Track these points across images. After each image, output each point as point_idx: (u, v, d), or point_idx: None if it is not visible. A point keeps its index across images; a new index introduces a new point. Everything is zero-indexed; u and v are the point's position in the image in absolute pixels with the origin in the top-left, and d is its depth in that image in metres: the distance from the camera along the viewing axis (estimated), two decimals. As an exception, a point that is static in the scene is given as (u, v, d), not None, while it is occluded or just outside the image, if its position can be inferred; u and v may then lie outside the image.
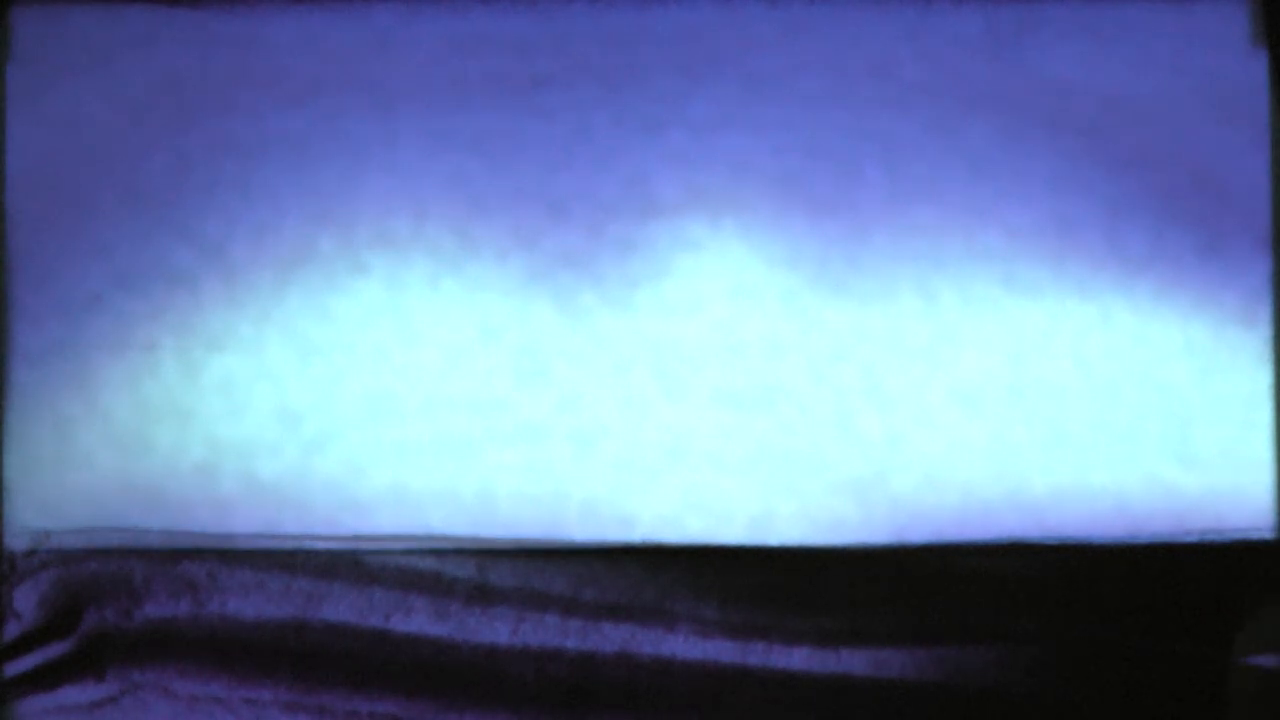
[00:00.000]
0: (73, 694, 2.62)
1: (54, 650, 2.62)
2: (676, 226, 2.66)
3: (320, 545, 2.61)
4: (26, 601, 2.62)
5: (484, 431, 2.63)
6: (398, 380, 2.64)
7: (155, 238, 2.65)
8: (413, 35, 2.68)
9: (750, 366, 2.66)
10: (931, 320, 2.66)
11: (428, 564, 2.61)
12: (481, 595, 2.60)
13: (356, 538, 2.61)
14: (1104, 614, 2.62)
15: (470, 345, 2.65)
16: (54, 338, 2.64)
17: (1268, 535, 2.63)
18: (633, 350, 2.66)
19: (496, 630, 2.60)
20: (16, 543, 2.63)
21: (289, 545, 2.62)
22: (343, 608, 2.61)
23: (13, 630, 2.62)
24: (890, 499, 2.64)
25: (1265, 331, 2.66)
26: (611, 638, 2.59)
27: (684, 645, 2.61)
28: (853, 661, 2.62)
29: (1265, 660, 2.61)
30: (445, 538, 2.62)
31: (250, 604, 2.61)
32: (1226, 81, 2.67)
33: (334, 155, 2.66)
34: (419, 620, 2.61)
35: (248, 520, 2.63)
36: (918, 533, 2.64)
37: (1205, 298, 2.66)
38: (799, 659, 2.62)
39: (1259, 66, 2.67)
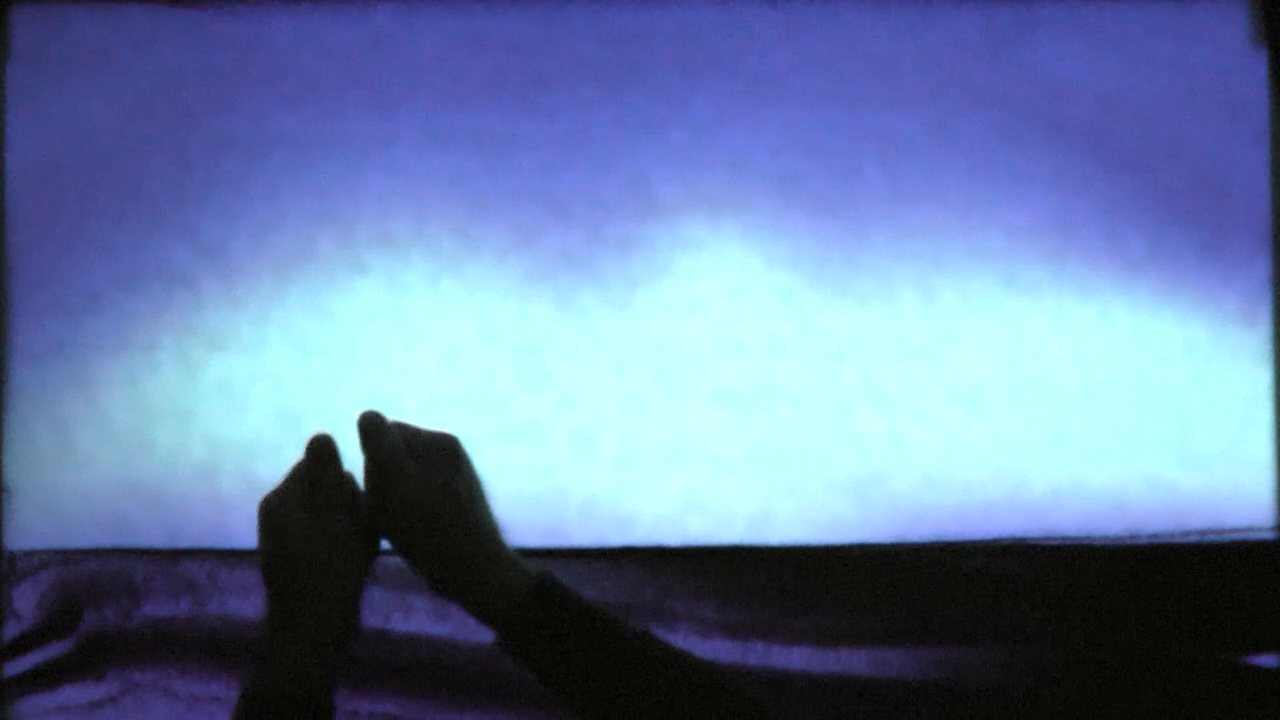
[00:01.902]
0: (73, 694, 2.61)
1: (54, 650, 2.62)
2: (676, 226, 2.66)
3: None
4: (26, 601, 2.62)
5: (484, 431, 2.63)
6: (398, 380, 2.63)
7: (155, 238, 2.65)
8: (413, 35, 2.67)
9: (750, 366, 2.66)
10: (931, 320, 2.66)
11: (428, 564, 2.61)
12: (481, 595, 2.60)
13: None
14: (1104, 614, 2.62)
15: (470, 345, 2.65)
16: (54, 338, 2.64)
17: (1268, 535, 2.62)
18: (633, 350, 2.66)
19: (496, 630, 2.59)
20: (16, 543, 2.62)
21: (289, 545, 2.61)
22: (343, 608, 2.61)
23: (13, 630, 2.62)
24: (890, 499, 2.64)
25: (1265, 331, 2.65)
26: (611, 638, 2.58)
27: (684, 645, 2.60)
28: (853, 661, 2.62)
29: (1265, 660, 2.61)
30: (445, 538, 2.61)
31: (250, 604, 2.61)
32: (1226, 81, 2.67)
33: (334, 155, 2.66)
34: (419, 620, 2.61)
35: (248, 520, 2.62)
36: (918, 533, 2.63)
37: (1205, 298, 2.66)
38: (799, 659, 2.62)
39: (1259, 66, 2.67)
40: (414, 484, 1.56)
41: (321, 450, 1.53)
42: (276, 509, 1.54)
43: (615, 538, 2.63)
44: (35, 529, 2.62)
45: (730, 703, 1.52)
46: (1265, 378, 2.65)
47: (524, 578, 1.55)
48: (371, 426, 1.57)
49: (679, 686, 1.52)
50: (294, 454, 2.50)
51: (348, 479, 1.57)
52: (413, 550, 1.55)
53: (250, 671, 1.54)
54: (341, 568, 1.54)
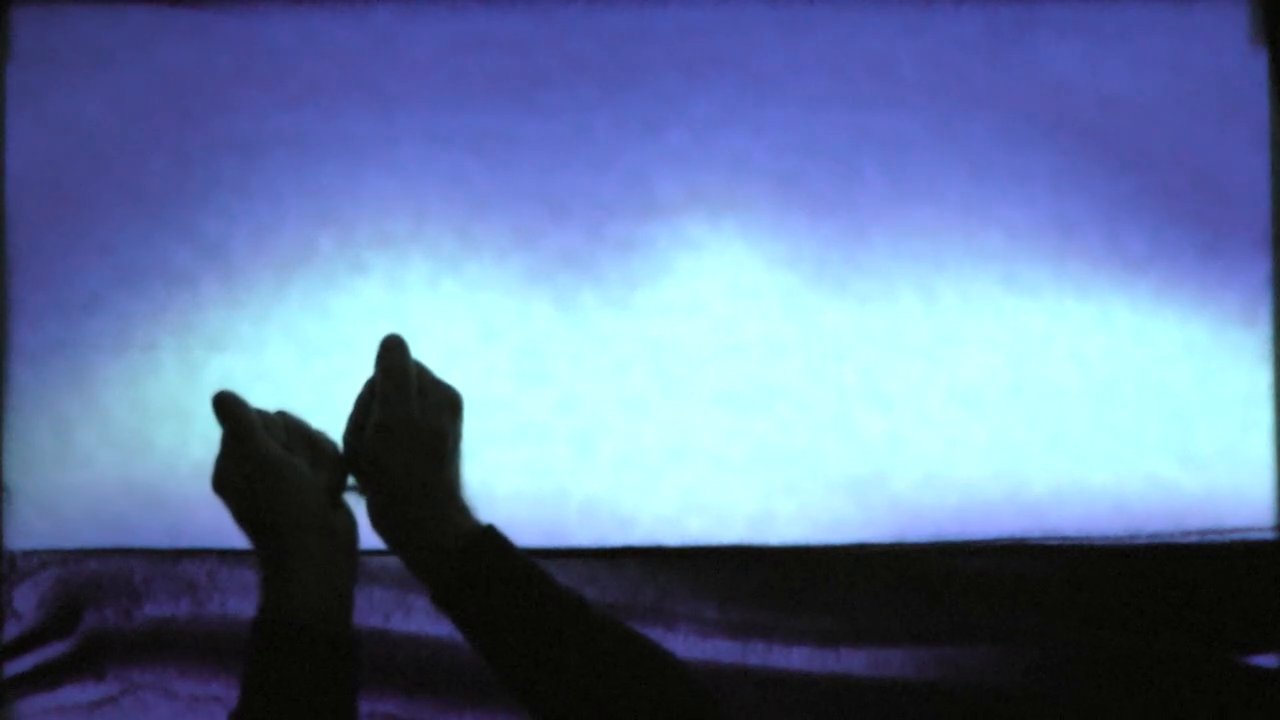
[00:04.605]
0: (73, 694, 2.62)
1: (54, 650, 2.62)
2: (676, 226, 2.66)
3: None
4: (26, 601, 2.62)
5: (484, 431, 2.63)
6: (398, 380, 2.63)
7: (155, 238, 2.65)
8: (413, 35, 2.68)
9: (750, 366, 2.66)
10: (931, 320, 2.66)
11: (428, 564, 2.61)
12: (481, 595, 2.60)
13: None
14: (1103, 614, 2.62)
15: (470, 345, 2.65)
16: (54, 338, 2.64)
17: (1268, 535, 2.63)
18: (633, 350, 2.66)
19: (496, 630, 2.59)
20: (16, 543, 2.63)
21: (289, 545, 2.61)
22: (343, 608, 2.61)
23: (13, 630, 2.62)
24: (890, 499, 2.64)
25: (1265, 331, 2.66)
26: (611, 638, 2.58)
27: (684, 645, 2.61)
28: (853, 661, 2.62)
29: (1265, 660, 2.61)
30: (445, 538, 2.61)
31: (250, 604, 2.61)
32: (1226, 81, 2.67)
33: (334, 155, 2.66)
34: (419, 620, 2.61)
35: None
36: (918, 533, 2.64)
37: (1205, 298, 2.66)
38: (799, 659, 2.62)
39: (1259, 66, 2.67)
40: (412, 409, 1.59)
41: (226, 404, 1.55)
42: (220, 480, 1.56)
43: (615, 538, 2.63)
44: (35, 529, 2.63)
45: (660, 675, 1.50)
46: (1265, 378, 2.65)
47: (471, 528, 1.56)
48: (396, 344, 1.62)
49: (607, 652, 1.51)
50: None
51: (274, 417, 1.59)
52: (377, 470, 1.56)
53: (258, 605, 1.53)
54: (299, 481, 1.54)
